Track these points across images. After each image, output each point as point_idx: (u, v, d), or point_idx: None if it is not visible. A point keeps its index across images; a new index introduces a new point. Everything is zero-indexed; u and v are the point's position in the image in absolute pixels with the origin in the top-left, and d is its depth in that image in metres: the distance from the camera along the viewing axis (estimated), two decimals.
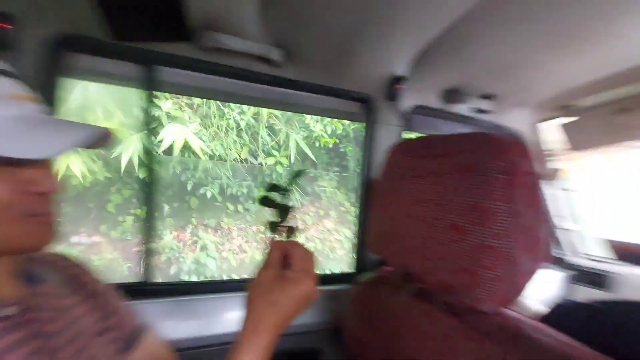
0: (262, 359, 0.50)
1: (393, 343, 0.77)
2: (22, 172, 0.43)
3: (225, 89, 1.06)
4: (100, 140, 0.48)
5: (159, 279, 1.06)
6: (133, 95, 1.04)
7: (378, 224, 0.86)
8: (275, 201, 0.61)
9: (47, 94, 0.83)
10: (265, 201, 0.61)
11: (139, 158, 3.10)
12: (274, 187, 0.61)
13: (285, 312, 0.51)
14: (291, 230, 0.60)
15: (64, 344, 0.50)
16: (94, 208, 3.55)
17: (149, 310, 0.91)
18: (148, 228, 1.00)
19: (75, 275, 0.63)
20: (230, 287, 1.05)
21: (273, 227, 0.60)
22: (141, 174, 3.00)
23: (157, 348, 0.72)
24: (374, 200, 0.89)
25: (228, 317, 1.00)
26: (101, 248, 3.51)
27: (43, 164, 0.45)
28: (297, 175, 0.64)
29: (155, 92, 0.99)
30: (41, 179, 0.44)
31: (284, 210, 0.60)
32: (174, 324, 0.94)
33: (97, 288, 0.65)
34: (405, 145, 0.82)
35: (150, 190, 0.99)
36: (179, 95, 3.49)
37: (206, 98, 1.30)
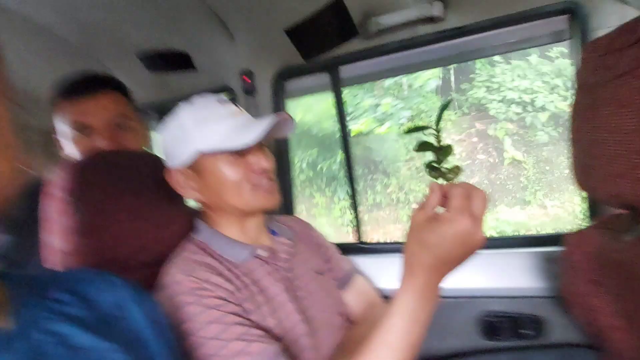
0: (421, 299, 0.53)
1: (630, 304, 0.61)
2: (247, 158, 0.70)
3: (401, 63, 1.14)
4: (286, 126, 0.73)
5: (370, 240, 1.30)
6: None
7: (580, 151, 0.67)
8: (431, 144, 0.59)
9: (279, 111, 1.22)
10: (422, 146, 0.60)
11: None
12: (421, 129, 0.60)
13: (439, 253, 0.51)
14: (455, 171, 0.58)
15: (296, 276, 0.77)
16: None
17: (361, 264, 1.13)
18: (353, 199, 1.23)
19: (303, 231, 0.91)
20: None
21: (432, 170, 0.60)
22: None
23: (366, 290, 0.93)
24: (571, 122, 0.70)
25: None
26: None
27: (259, 151, 0.71)
28: (444, 108, 0.61)
29: (346, 88, 1.22)
30: (259, 160, 0.70)
31: (441, 152, 0.59)
32: (382, 276, 1.12)
33: (319, 241, 0.92)
34: (603, 40, 0.61)
35: (349, 167, 1.23)
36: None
37: (387, 77, 1.44)
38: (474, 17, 0.98)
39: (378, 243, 1.25)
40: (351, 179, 1.25)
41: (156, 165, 0.81)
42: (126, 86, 0.94)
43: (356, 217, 1.25)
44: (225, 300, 0.62)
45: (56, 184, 0.66)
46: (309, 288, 0.77)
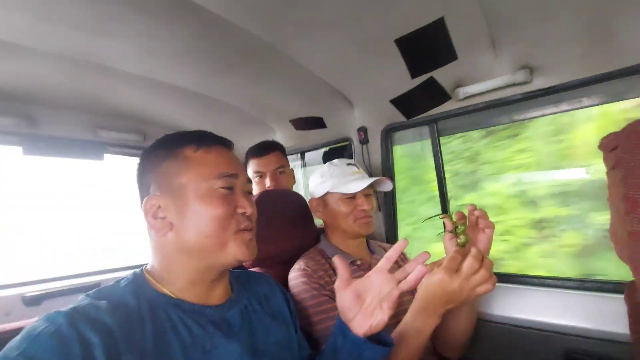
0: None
1: None
2: (355, 200, 1.08)
3: (484, 120, 1.30)
4: (386, 183, 1.09)
5: None
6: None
7: None
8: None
9: (386, 159, 1.54)
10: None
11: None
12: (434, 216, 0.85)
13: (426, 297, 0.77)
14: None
15: None
16: None
17: None
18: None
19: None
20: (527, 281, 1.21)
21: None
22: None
23: None
24: None
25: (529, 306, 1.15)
26: None
27: (364, 196, 1.08)
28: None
29: (443, 138, 1.44)
30: (362, 203, 1.07)
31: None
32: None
33: (404, 257, 1.21)
34: None
35: (443, 200, 1.43)
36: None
37: (480, 129, 1.58)
38: (560, 78, 1.07)
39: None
40: (445, 210, 1.43)
41: (297, 199, 1.27)
42: (284, 146, 1.48)
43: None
44: (323, 287, 0.98)
45: None
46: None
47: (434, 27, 1.02)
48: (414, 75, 1.22)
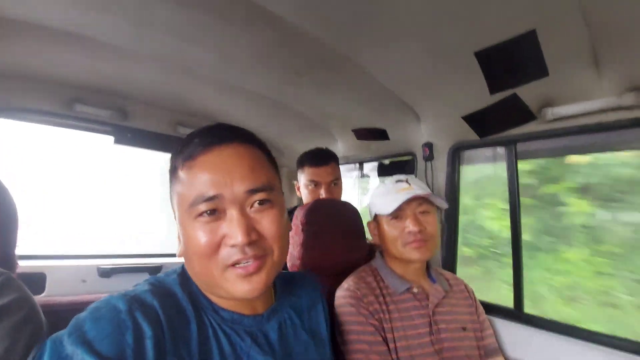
0: None
1: None
2: (403, 221, 0.97)
3: (576, 146, 1.13)
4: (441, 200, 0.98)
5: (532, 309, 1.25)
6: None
7: None
8: None
9: (451, 178, 1.43)
10: None
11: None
12: None
13: None
14: None
15: (441, 321, 0.96)
16: None
17: (516, 333, 1.15)
18: (516, 261, 1.26)
19: (459, 289, 1.09)
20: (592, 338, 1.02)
21: None
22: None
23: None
24: None
25: None
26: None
27: (415, 217, 0.96)
28: None
29: (521, 161, 1.30)
30: (409, 225, 0.95)
31: None
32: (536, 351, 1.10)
33: (473, 303, 1.08)
34: None
35: (515, 232, 1.27)
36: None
37: (566, 155, 1.35)
38: None
39: (542, 318, 1.20)
40: (516, 244, 1.27)
41: (351, 210, 1.23)
42: (338, 157, 1.46)
43: (518, 282, 1.26)
44: (372, 314, 0.90)
45: (297, 216, 1.17)
46: (450, 335, 0.95)
47: (523, 40, 0.92)
48: (493, 91, 1.11)
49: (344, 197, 1.49)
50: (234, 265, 0.54)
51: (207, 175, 0.54)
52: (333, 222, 1.17)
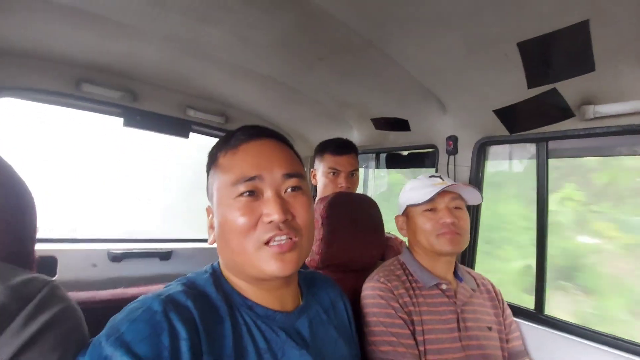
0: None
1: None
2: (437, 213, 0.96)
3: (615, 147, 1.06)
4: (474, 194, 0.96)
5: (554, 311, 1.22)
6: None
7: None
8: None
9: (476, 173, 1.37)
10: None
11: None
12: None
13: None
14: None
15: (468, 319, 0.94)
16: None
17: (536, 335, 1.13)
18: (540, 263, 1.22)
19: (487, 289, 1.06)
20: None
21: None
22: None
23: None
24: None
25: None
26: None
27: (448, 209, 0.95)
28: None
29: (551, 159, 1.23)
30: (444, 216, 0.95)
31: None
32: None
33: (500, 304, 1.06)
34: None
35: (541, 231, 1.22)
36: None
37: (600, 155, 1.28)
38: None
39: (563, 321, 1.17)
40: (541, 246, 1.23)
41: (371, 205, 1.19)
42: (357, 149, 1.42)
43: (540, 284, 1.22)
44: (401, 307, 0.90)
45: (316, 209, 1.13)
46: (476, 334, 0.94)
47: (573, 31, 0.84)
48: (531, 85, 1.04)
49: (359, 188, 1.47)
50: (268, 243, 0.57)
51: (250, 159, 0.61)
52: (353, 217, 1.13)
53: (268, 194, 0.59)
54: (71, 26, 1.16)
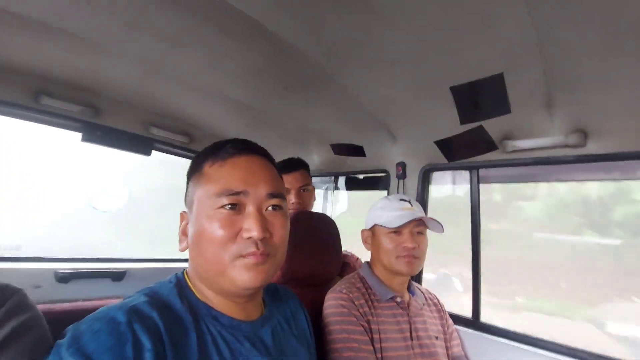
0: None
1: None
2: (400, 236, 1.05)
3: (529, 175, 1.29)
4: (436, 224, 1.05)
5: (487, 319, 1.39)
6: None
7: None
8: None
9: (421, 196, 1.54)
10: None
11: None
12: None
13: None
14: None
15: (419, 328, 1.05)
16: None
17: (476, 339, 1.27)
18: (475, 272, 1.39)
19: (433, 302, 1.20)
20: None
21: None
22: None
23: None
24: None
25: None
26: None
27: (410, 234, 1.05)
28: None
29: (482, 185, 1.43)
30: (405, 241, 1.04)
31: None
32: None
33: (444, 315, 1.19)
34: None
35: (475, 245, 1.40)
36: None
37: (523, 182, 1.55)
38: (616, 146, 1.06)
39: (497, 327, 1.33)
40: (476, 259, 1.41)
41: (330, 224, 1.29)
42: (309, 165, 1.54)
43: (476, 294, 1.39)
44: (362, 316, 0.98)
45: None
46: (426, 342, 1.06)
47: (491, 81, 1.05)
48: (463, 122, 1.24)
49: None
50: (244, 256, 0.59)
51: (237, 173, 0.63)
52: (313, 235, 1.22)
53: (250, 209, 0.61)
54: (37, 40, 1.15)
